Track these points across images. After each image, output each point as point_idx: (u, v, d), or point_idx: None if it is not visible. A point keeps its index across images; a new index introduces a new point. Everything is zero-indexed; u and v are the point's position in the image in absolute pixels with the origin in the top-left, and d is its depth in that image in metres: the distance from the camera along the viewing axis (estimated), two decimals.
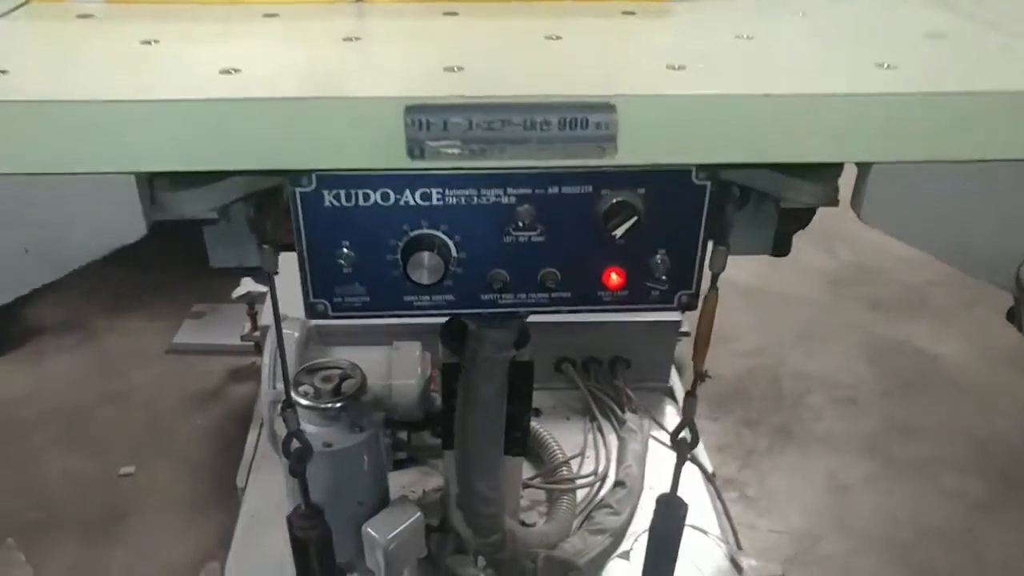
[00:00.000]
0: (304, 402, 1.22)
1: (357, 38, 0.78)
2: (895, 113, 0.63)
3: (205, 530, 1.62)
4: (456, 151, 0.64)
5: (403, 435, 1.62)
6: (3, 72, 0.66)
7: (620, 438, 1.68)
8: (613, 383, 1.81)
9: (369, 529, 1.24)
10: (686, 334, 2.12)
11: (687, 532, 1.54)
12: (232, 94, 0.62)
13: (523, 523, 1.47)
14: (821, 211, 0.82)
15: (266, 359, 1.62)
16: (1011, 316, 0.74)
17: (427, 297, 0.78)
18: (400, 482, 1.58)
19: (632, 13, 0.88)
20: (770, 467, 1.88)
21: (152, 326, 2.27)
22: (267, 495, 1.54)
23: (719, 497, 1.61)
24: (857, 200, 0.69)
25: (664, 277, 0.77)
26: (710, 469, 1.66)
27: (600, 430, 1.73)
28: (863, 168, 0.67)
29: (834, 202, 0.77)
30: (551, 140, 0.64)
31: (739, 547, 1.53)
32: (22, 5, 0.87)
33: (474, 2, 0.91)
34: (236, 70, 0.67)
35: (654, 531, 1.08)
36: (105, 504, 1.70)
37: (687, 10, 0.91)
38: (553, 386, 1.83)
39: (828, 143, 0.64)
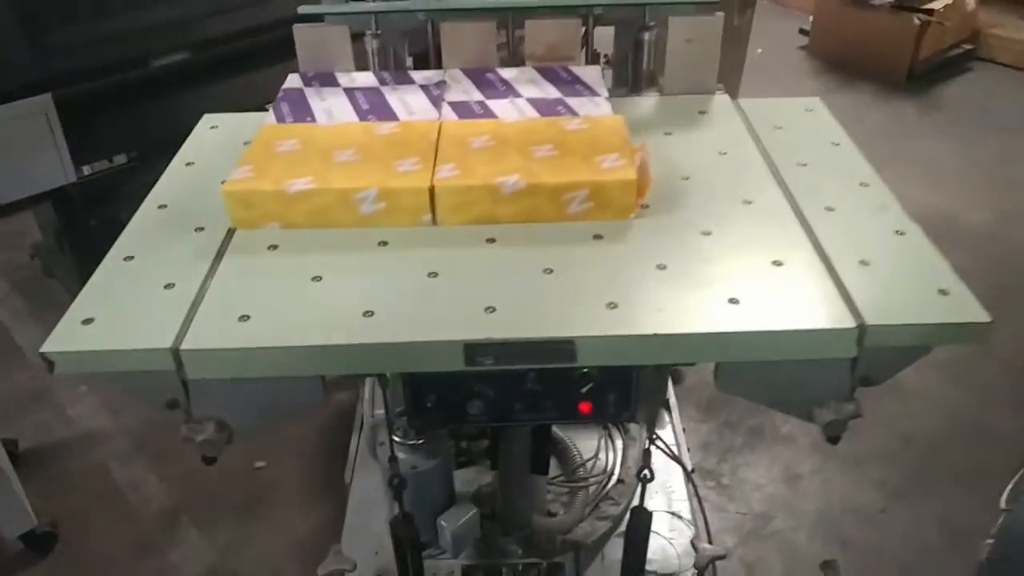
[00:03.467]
0: (398, 440, 1.82)
1: (435, 273, 1.31)
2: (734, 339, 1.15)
3: (321, 515, 2.24)
4: (492, 362, 1.20)
5: (464, 444, 2.21)
6: (244, 318, 1.22)
7: (624, 444, 2.26)
8: None
9: (441, 521, 1.85)
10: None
11: (667, 517, 2.13)
12: (365, 339, 1.17)
13: (549, 513, 2.06)
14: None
15: (365, 395, 2.23)
16: None
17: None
18: (463, 478, 2.16)
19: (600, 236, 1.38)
20: (741, 462, 2.45)
21: None
22: (367, 488, 2.14)
23: (694, 489, 2.18)
24: (717, 380, 1.23)
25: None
26: (689, 467, 2.23)
27: (610, 436, 2.31)
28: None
29: None
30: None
31: (707, 527, 2.11)
32: (230, 232, 1.41)
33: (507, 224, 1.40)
34: (371, 313, 1.22)
35: (628, 534, 1.66)
36: (247, 491, 2.34)
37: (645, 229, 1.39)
38: None
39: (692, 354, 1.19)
